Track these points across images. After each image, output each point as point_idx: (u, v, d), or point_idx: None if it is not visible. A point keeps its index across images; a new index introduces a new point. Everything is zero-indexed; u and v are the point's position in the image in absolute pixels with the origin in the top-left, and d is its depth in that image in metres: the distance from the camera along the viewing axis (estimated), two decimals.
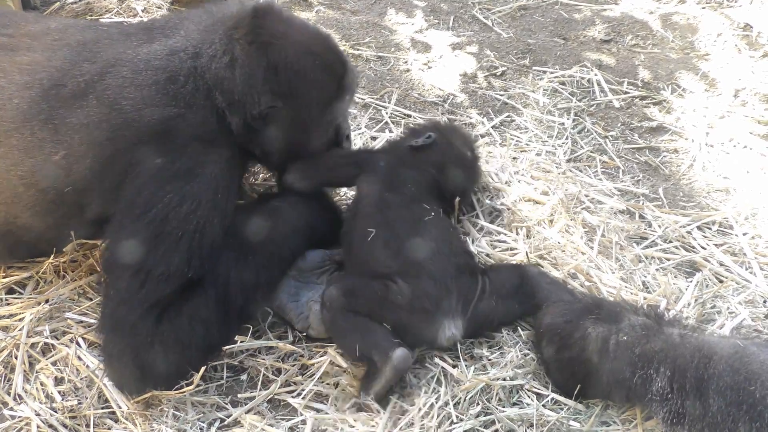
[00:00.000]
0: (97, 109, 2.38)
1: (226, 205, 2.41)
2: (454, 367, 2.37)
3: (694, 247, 2.93)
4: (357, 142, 3.38)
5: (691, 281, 2.75)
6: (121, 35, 2.57)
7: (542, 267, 2.70)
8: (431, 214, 2.57)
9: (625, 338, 2.20)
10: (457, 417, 2.23)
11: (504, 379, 2.33)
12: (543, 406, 2.29)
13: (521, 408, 2.28)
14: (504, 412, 2.24)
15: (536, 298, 2.49)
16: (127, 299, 2.31)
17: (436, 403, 2.27)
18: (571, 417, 2.27)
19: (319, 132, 2.65)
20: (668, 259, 2.86)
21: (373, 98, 3.68)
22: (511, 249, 2.82)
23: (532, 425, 2.23)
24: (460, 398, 2.27)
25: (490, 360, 2.41)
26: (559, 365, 2.34)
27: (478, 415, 2.23)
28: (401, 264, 2.44)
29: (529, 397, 2.32)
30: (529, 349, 2.43)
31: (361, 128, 3.49)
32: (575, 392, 2.30)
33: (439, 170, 2.78)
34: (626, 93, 3.77)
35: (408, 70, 3.90)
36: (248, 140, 2.53)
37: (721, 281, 2.77)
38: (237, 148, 2.50)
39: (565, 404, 2.31)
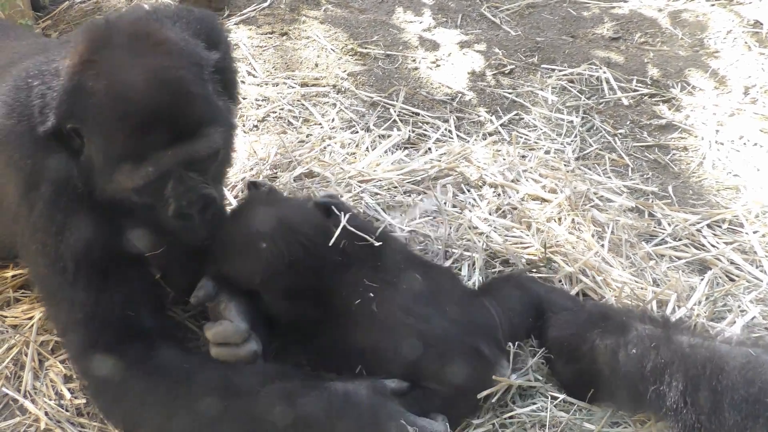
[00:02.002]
0: None
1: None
2: None
3: (704, 245, 2.91)
4: (365, 141, 3.37)
5: (701, 279, 2.74)
6: (37, 51, 2.40)
7: (555, 263, 2.70)
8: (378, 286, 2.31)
9: (634, 351, 2.16)
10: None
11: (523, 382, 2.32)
12: (555, 407, 2.28)
13: (534, 409, 2.27)
14: (516, 411, 2.24)
15: (540, 308, 2.44)
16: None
17: None
18: (585, 419, 2.25)
19: (111, 190, 2.12)
20: (678, 258, 2.84)
21: (381, 96, 3.68)
22: (522, 243, 2.81)
23: (544, 425, 2.22)
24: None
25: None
26: (571, 376, 2.32)
27: (492, 416, 2.23)
28: (422, 361, 2.24)
29: (543, 399, 2.30)
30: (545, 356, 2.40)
31: (369, 126, 3.49)
32: (588, 395, 2.28)
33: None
34: (635, 91, 3.75)
35: (416, 69, 3.89)
36: (78, 174, 2.16)
37: (731, 279, 2.75)
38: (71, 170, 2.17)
39: (579, 405, 2.29)
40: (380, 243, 2.39)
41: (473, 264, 2.71)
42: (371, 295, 2.28)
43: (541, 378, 2.36)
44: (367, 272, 2.33)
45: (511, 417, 2.25)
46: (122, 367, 2.18)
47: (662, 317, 2.35)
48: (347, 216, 2.40)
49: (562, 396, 2.30)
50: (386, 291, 2.30)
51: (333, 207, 2.46)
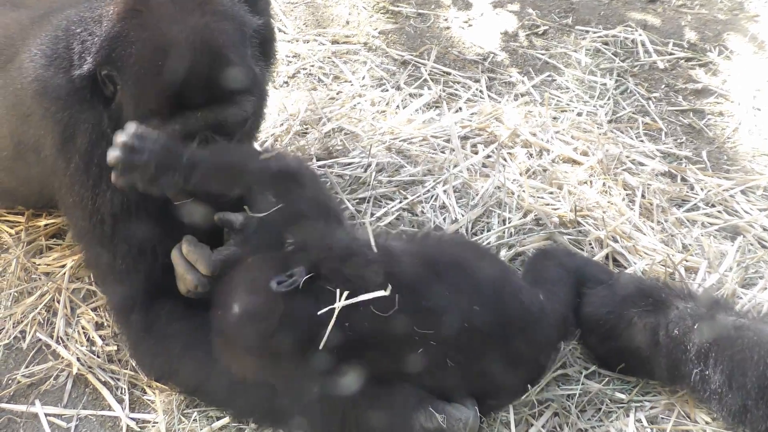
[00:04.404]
0: (14, 72, 2.30)
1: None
2: None
3: (737, 212, 2.87)
4: (395, 99, 3.34)
5: (732, 246, 2.70)
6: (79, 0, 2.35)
7: (583, 225, 2.68)
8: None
9: (676, 331, 2.09)
10: None
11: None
12: (587, 378, 2.27)
13: (565, 379, 2.27)
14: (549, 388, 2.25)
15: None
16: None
17: None
18: (616, 388, 2.25)
19: None
20: (711, 224, 2.81)
21: (412, 55, 3.64)
22: (550, 204, 2.80)
23: (573, 395, 2.21)
24: None
25: None
26: (607, 354, 2.27)
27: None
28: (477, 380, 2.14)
29: (575, 371, 2.30)
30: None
31: (400, 85, 3.46)
32: (620, 366, 2.26)
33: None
34: (671, 54, 3.68)
35: (448, 28, 3.85)
36: (108, 119, 2.16)
37: (764, 247, 2.72)
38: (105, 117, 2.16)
39: (610, 377, 2.29)
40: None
41: (504, 221, 2.71)
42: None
43: (576, 358, 2.34)
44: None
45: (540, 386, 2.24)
46: (162, 321, 2.21)
47: (704, 294, 2.27)
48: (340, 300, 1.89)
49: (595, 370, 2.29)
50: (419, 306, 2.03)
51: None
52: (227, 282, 2.04)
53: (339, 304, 1.87)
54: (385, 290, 1.89)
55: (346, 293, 1.89)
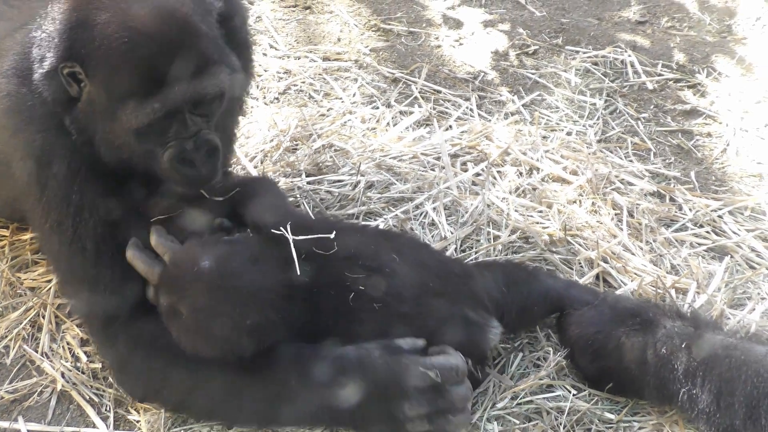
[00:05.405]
0: None
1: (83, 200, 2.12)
2: (501, 372, 2.34)
3: (725, 232, 2.88)
4: (386, 117, 3.35)
5: (720, 266, 2.71)
6: (42, 14, 2.27)
7: (572, 244, 2.68)
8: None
9: (663, 350, 2.10)
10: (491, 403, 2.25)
11: (547, 377, 2.31)
12: (575, 396, 2.25)
13: (554, 398, 2.26)
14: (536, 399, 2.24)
15: (558, 303, 2.39)
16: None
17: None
18: (606, 408, 2.24)
19: (116, 133, 2.04)
20: (699, 244, 2.82)
21: (402, 73, 3.65)
22: (539, 222, 2.80)
23: (563, 412, 2.20)
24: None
25: (533, 362, 2.39)
26: (596, 374, 2.26)
27: (511, 402, 2.23)
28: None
29: (564, 389, 2.29)
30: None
31: (390, 102, 3.46)
32: (609, 386, 2.25)
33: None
34: (660, 75, 3.71)
35: (439, 46, 3.86)
36: (71, 123, 2.09)
37: (752, 267, 2.73)
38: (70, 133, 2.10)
39: (600, 396, 2.28)
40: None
41: (493, 239, 2.70)
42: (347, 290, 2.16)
43: (565, 377, 2.34)
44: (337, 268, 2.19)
45: (530, 403, 2.24)
46: (147, 339, 2.18)
47: (692, 313, 2.27)
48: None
49: (586, 390, 2.29)
50: (361, 281, 2.17)
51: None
52: (179, 257, 2.13)
53: (291, 237, 2.09)
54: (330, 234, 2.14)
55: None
